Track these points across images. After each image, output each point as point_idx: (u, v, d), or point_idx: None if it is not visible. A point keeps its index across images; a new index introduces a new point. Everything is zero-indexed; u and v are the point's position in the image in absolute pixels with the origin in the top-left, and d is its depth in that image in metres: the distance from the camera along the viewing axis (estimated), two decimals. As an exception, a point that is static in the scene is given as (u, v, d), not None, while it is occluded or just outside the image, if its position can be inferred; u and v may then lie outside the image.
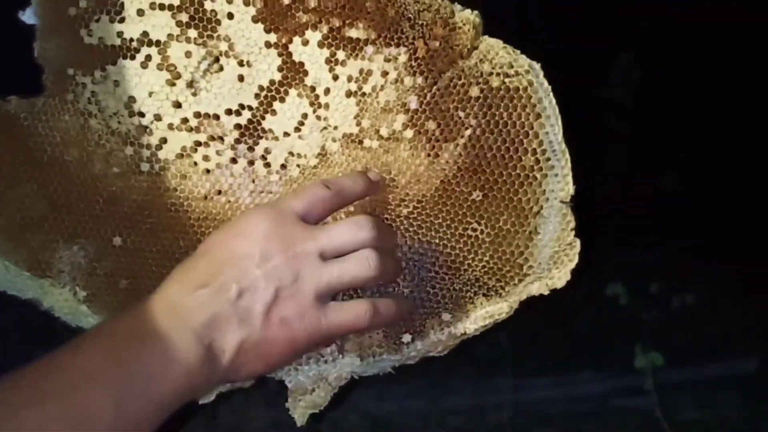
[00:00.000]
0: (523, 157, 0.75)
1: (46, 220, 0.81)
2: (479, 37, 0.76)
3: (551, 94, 0.75)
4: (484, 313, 0.79)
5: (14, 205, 0.81)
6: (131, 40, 0.79)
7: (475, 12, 0.76)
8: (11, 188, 0.81)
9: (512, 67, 0.74)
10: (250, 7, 0.77)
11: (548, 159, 0.75)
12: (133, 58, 0.79)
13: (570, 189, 0.75)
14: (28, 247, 0.82)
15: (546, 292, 0.78)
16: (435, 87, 0.76)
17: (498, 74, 0.75)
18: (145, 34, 0.78)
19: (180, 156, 0.81)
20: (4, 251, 0.81)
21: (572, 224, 0.77)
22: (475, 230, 0.78)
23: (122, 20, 0.78)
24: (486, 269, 0.79)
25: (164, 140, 0.80)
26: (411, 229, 0.79)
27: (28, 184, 0.81)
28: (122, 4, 0.78)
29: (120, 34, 0.79)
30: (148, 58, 0.79)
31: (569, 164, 0.75)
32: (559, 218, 0.77)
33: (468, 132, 0.76)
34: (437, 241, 0.79)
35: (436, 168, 0.77)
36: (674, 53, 0.82)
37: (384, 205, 0.79)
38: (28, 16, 0.82)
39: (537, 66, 0.75)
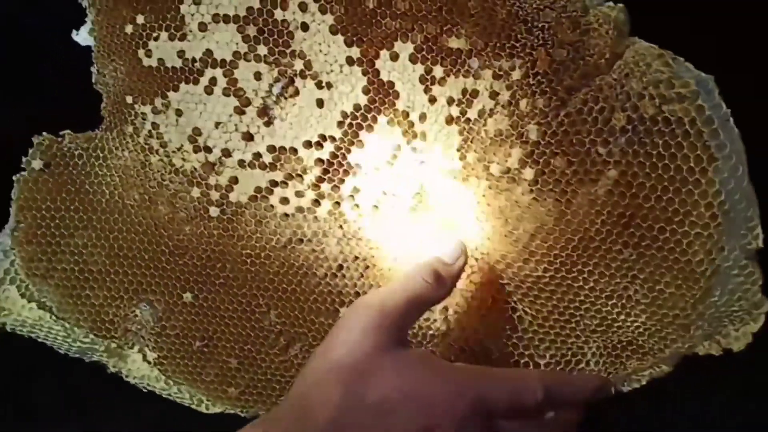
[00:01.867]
0: (693, 211, 0.57)
1: (107, 273, 0.71)
2: (624, 40, 0.57)
3: (731, 120, 0.55)
4: (636, 377, 0.65)
5: (71, 257, 0.71)
6: (194, 60, 0.65)
7: (619, 5, 0.57)
8: (67, 238, 0.71)
9: (672, 86, 0.55)
10: (327, 15, 0.62)
11: (728, 211, 0.56)
12: (196, 82, 0.66)
13: (759, 242, 0.57)
14: (89, 304, 0.72)
15: (717, 353, 0.62)
16: (563, 112, 0.58)
17: (652, 97, 0.55)
18: (208, 52, 0.65)
19: (254, 198, 0.67)
20: (63, 310, 0.71)
21: (759, 281, 0.58)
22: (627, 289, 0.61)
23: (183, 37, 0.65)
24: (641, 330, 0.63)
25: (235, 180, 0.67)
26: (545, 291, 0.63)
27: (86, 233, 0.71)
28: (182, 17, 0.65)
29: (181, 53, 0.66)
30: (213, 81, 0.65)
31: (757, 211, 0.56)
32: (742, 277, 0.58)
33: (612, 173, 0.58)
34: (577, 304, 0.63)
35: (569, 219, 0.59)
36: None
37: (504, 261, 0.63)
38: (82, 37, 0.71)
39: (710, 82, 0.55)
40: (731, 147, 0.55)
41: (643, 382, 0.65)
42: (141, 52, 0.67)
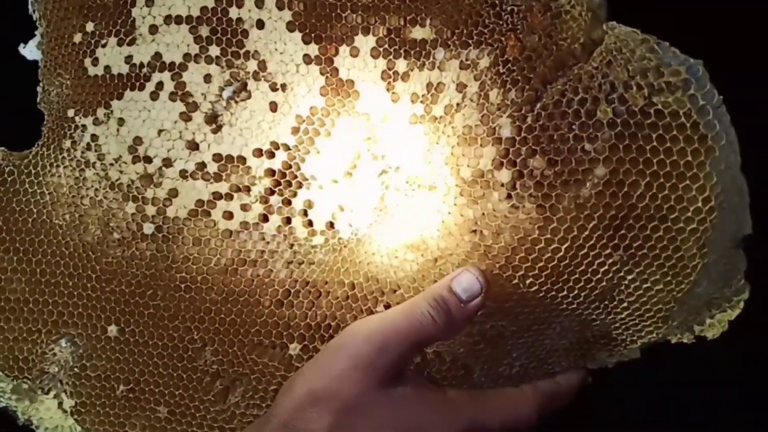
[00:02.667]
0: (690, 206, 0.50)
1: (26, 302, 0.62)
2: (600, 24, 0.51)
3: (723, 107, 0.50)
4: (604, 363, 0.60)
5: (-13, 284, 0.63)
6: (141, 65, 0.60)
7: (594, -14, 0.52)
8: (-16, 262, 0.63)
9: (661, 75, 0.50)
10: (284, 11, 0.57)
11: (722, 203, 0.50)
12: (142, 88, 0.60)
13: (747, 228, 0.52)
14: (3, 338, 0.62)
15: (689, 341, 0.57)
16: (539, 105, 0.52)
17: (640, 87, 0.50)
18: (157, 56, 0.60)
19: (194, 213, 0.60)
20: (-27, 344, 0.62)
21: (744, 266, 0.53)
22: (611, 291, 0.54)
23: (132, 42, 0.61)
24: (617, 326, 0.57)
25: (175, 192, 0.60)
26: (528, 306, 0.55)
27: (7, 256, 0.62)
28: (133, 21, 0.61)
29: (129, 59, 0.60)
30: (160, 86, 0.60)
31: (747, 198, 0.51)
32: (730, 265, 0.53)
33: (601, 171, 0.51)
34: (558, 312, 0.56)
35: (555, 226, 0.52)
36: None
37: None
38: (30, 50, 0.66)
39: (700, 68, 0.50)
40: (726, 137, 0.49)
41: (610, 366, 0.60)
42: (87, 61, 0.62)
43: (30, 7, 0.65)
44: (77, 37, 0.63)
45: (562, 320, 0.56)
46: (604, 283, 0.54)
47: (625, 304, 0.55)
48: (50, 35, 0.64)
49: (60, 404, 0.62)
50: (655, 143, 0.50)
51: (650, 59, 0.50)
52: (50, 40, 0.64)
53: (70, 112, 0.63)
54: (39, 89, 0.65)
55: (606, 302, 0.55)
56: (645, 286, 0.54)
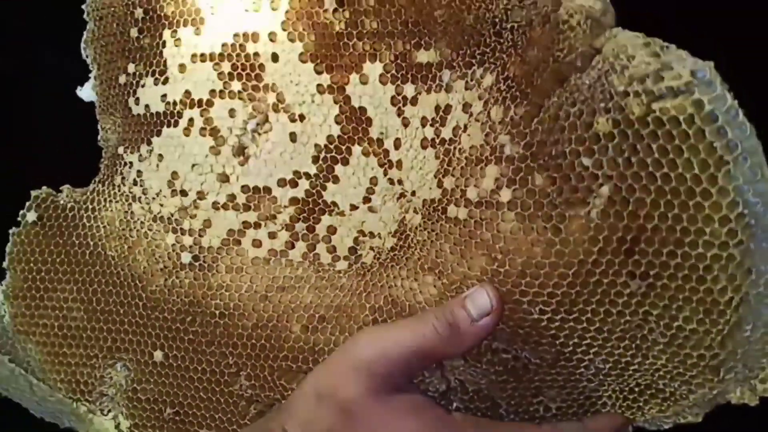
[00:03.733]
0: (706, 228, 0.46)
1: (84, 330, 0.66)
2: (603, 32, 0.49)
3: (740, 114, 0.45)
4: (658, 423, 0.55)
5: (53, 312, 0.67)
6: (174, 103, 0.63)
7: (598, -7, 0.49)
8: (51, 292, 0.67)
9: (661, 79, 0.46)
10: (296, 43, 0.58)
11: (749, 225, 0.45)
12: (176, 124, 0.63)
13: None
14: (66, 363, 0.67)
15: (753, 403, 0.52)
16: (536, 120, 0.50)
17: (638, 94, 0.46)
18: (187, 93, 0.62)
19: (227, 242, 0.62)
20: (43, 371, 0.67)
21: None
22: (640, 328, 0.50)
23: (165, 81, 0.64)
24: (661, 374, 0.52)
25: (208, 223, 0.62)
26: (546, 336, 0.52)
27: (68, 287, 0.67)
28: (165, 61, 0.64)
29: (164, 97, 0.64)
30: (191, 122, 0.62)
31: None
32: None
33: (605, 190, 0.48)
34: (585, 348, 0.52)
35: (559, 249, 0.50)
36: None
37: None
38: (86, 93, 0.71)
39: (707, 71, 0.45)
40: (744, 146, 0.45)
41: (667, 426, 0.56)
42: (131, 101, 0.66)
43: (83, 52, 0.70)
44: (122, 78, 0.67)
45: (593, 359, 0.52)
46: (627, 317, 0.50)
47: (660, 346, 0.51)
48: (101, 77, 0.69)
49: (117, 425, 0.66)
50: (656, 155, 0.46)
51: (650, 63, 0.46)
52: (101, 82, 0.69)
53: (120, 150, 0.67)
54: (99, 128, 0.70)
55: (638, 342, 0.51)
56: (676, 324, 0.49)
